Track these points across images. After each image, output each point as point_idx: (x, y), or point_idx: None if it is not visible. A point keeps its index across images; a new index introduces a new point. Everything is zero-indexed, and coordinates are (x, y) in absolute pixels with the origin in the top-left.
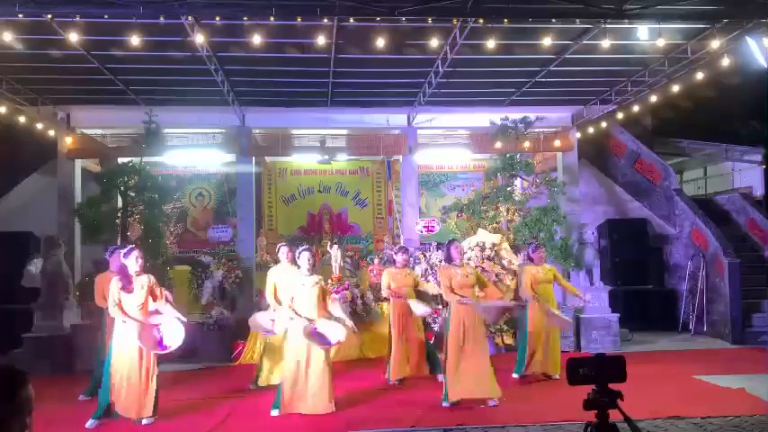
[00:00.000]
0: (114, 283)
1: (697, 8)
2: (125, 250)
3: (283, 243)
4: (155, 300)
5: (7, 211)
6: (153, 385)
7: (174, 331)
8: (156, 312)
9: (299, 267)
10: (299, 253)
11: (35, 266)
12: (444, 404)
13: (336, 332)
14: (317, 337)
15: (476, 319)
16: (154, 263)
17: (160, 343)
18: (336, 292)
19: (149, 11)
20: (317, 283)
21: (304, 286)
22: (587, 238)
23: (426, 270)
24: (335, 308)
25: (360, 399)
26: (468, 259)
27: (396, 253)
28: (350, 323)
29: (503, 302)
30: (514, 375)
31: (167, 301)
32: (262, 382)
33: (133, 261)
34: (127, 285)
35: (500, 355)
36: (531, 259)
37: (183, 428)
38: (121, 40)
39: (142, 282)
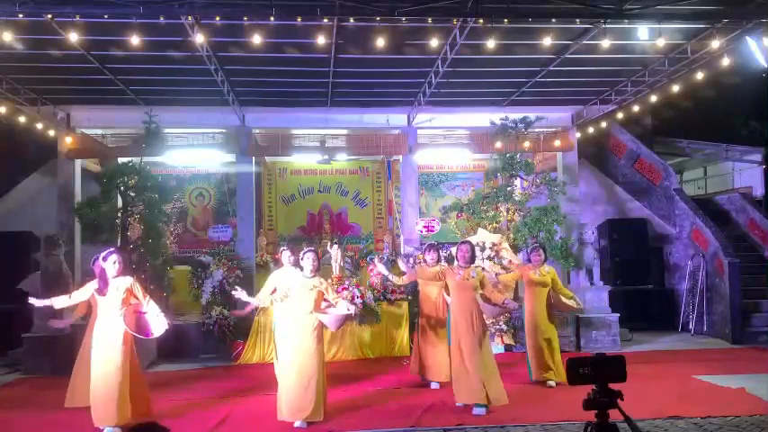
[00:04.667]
0: (90, 287)
1: (697, 8)
2: (104, 253)
3: (285, 247)
4: (136, 302)
5: (7, 211)
6: (126, 392)
7: (158, 322)
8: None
9: (302, 269)
10: (304, 254)
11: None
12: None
13: (342, 309)
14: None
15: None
16: (154, 263)
17: (147, 331)
18: (336, 292)
19: (149, 11)
20: (315, 287)
21: (302, 288)
22: (587, 238)
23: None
24: (340, 308)
25: (360, 398)
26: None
27: (425, 252)
28: (352, 309)
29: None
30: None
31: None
32: None
33: (111, 265)
34: (102, 288)
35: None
36: (529, 260)
37: (183, 429)
38: (121, 40)
39: (119, 284)
